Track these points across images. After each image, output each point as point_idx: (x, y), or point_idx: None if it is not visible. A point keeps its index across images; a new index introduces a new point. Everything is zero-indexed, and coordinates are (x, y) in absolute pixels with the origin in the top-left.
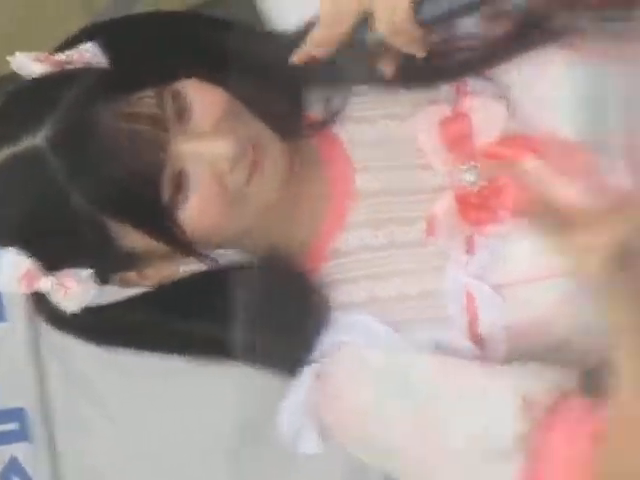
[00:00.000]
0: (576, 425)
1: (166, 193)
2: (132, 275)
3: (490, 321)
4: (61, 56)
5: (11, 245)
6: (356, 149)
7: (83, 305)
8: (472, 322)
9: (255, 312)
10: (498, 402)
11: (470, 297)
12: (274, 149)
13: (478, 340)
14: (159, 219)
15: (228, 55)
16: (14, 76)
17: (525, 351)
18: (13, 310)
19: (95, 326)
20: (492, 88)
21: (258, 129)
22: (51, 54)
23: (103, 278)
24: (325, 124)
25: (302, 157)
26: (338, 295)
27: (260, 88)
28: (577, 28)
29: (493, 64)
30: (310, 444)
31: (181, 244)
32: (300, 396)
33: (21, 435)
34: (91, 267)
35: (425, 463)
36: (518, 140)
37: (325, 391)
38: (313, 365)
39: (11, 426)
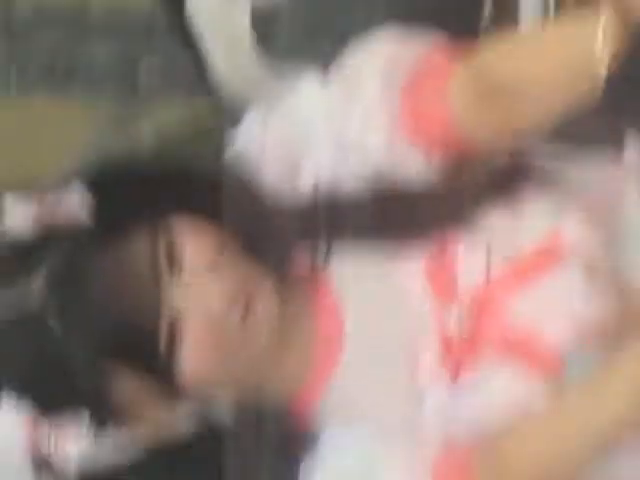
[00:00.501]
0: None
1: (162, 344)
2: (130, 419)
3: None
4: (49, 200)
5: (11, 388)
6: (345, 294)
7: (80, 451)
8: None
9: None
10: None
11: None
12: (267, 291)
13: None
14: (157, 368)
15: (217, 205)
16: None
17: None
18: None
19: None
20: (472, 232)
21: (250, 269)
22: (43, 194)
23: (100, 425)
24: (313, 270)
25: (293, 301)
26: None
27: (250, 234)
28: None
29: (476, 213)
30: None
31: (177, 391)
32: None
33: None
34: (88, 412)
35: None
36: (505, 281)
37: None
38: None
39: None
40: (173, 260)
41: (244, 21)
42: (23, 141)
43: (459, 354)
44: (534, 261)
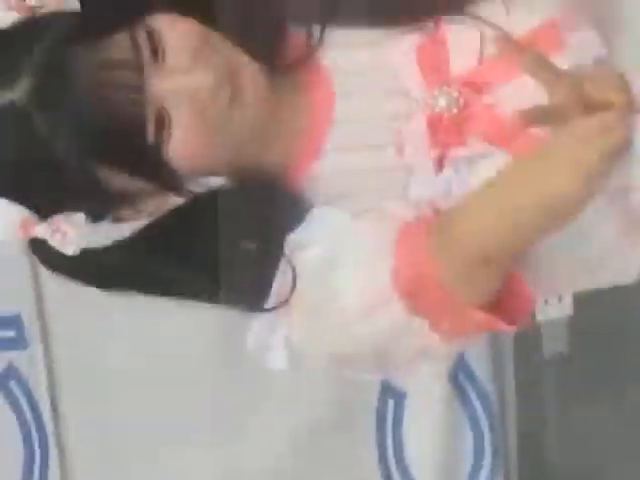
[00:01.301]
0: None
1: (150, 133)
2: (125, 211)
3: None
4: (31, 0)
5: (2, 196)
6: (338, 75)
7: (81, 247)
8: None
9: (238, 232)
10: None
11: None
12: (253, 75)
13: None
14: (146, 160)
15: None
16: None
17: None
18: None
19: (88, 270)
20: (468, 18)
21: (235, 56)
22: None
23: (97, 218)
24: (307, 52)
25: (283, 81)
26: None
27: (240, 15)
28: None
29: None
30: (277, 359)
31: (168, 182)
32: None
33: (18, 341)
34: (83, 210)
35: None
36: (497, 65)
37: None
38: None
39: (8, 333)
40: (155, 49)
41: None
42: None
43: (446, 137)
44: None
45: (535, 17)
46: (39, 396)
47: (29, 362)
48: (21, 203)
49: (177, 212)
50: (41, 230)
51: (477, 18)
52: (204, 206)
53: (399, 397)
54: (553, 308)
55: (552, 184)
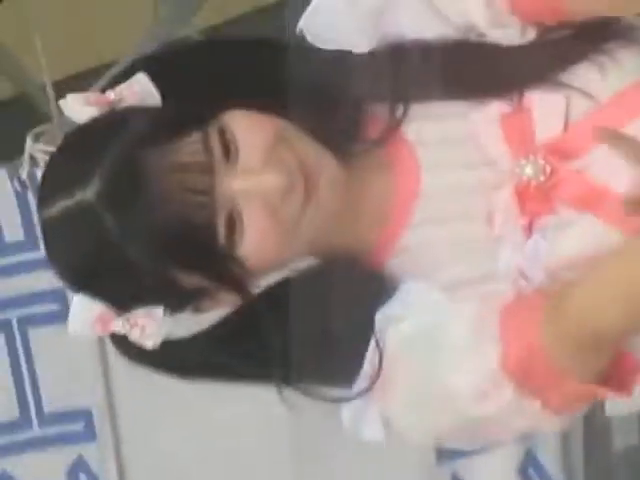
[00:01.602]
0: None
1: (221, 235)
2: (206, 302)
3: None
4: (110, 94)
5: (80, 292)
6: (422, 148)
7: (160, 339)
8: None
9: (325, 318)
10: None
11: (522, 280)
12: (329, 169)
13: None
14: (217, 263)
15: (280, 75)
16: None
17: None
18: None
19: (169, 361)
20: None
21: (311, 151)
22: (102, 91)
23: (176, 310)
24: (390, 129)
25: (368, 160)
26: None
27: (316, 104)
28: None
29: (560, 68)
30: (373, 431)
31: (238, 282)
32: (361, 384)
33: (88, 434)
34: (161, 304)
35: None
36: (583, 131)
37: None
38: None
39: (77, 426)
40: (227, 149)
41: None
42: None
43: (534, 205)
44: (615, 113)
45: (623, 80)
46: None
47: (99, 456)
48: (98, 298)
49: (258, 299)
50: (119, 325)
51: (570, 87)
52: (285, 291)
53: None
54: (624, 403)
55: None
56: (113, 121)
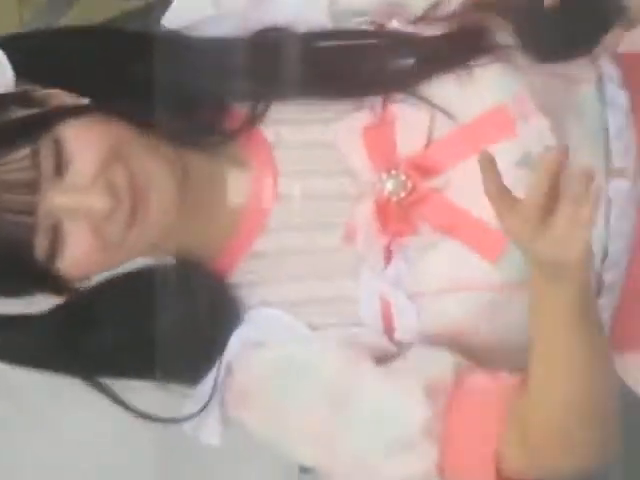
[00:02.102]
0: (479, 407)
1: (41, 249)
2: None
3: (406, 327)
4: None
5: None
6: (281, 151)
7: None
8: (387, 328)
9: (166, 315)
10: (402, 393)
11: (385, 304)
12: (163, 189)
13: (394, 342)
14: (33, 276)
15: (140, 64)
16: None
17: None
18: None
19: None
20: (416, 99)
21: (147, 169)
22: None
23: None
24: (249, 124)
25: (224, 158)
26: (251, 296)
27: (174, 94)
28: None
29: (425, 78)
30: (213, 435)
31: (56, 289)
32: (206, 389)
33: None
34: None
35: (331, 458)
36: (445, 148)
37: (233, 388)
38: (223, 361)
39: None
40: (59, 162)
41: None
42: None
43: (396, 224)
44: (475, 136)
45: (487, 101)
46: None
47: None
48: None
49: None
50: None
51: (424, 100)
52: (119, 287)
53: None
54: None
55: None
56: None
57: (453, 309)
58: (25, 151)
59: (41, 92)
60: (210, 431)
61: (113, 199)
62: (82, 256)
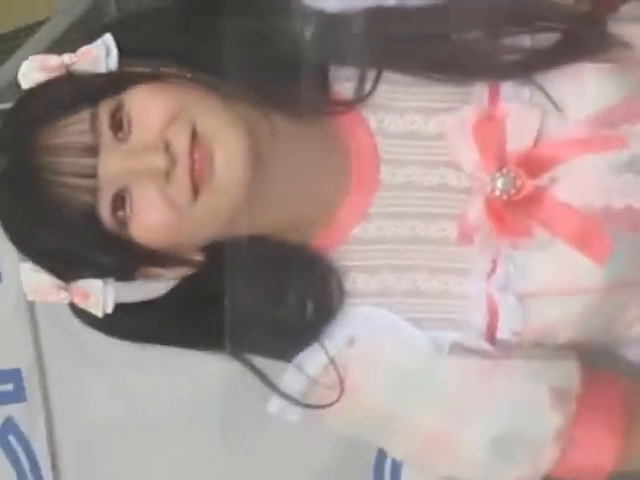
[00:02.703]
0: (605, 413)
1: (108, 216)
2: (154, 270)
3: (509, 328)
4: (66, 57)
5: (26, 258)
6: (383, 138)
7: (109, 309)
8: (491, 328)
9: (265, 296)
10: (526, 400)
11: (492, 304)
12: (230, 140)
13: (493, 343)
14: (108, 245)
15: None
16: None
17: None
18: (7, 271)
19: (121, 326)
20: (528, 94)
21: (215, 123)
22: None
23: (121, 279)
24: (352, 104)
25: (325, 135)
26: (349, 282)
27: (277, 64)
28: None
29: (539, 69)
30: (296, 415)
31: (145, 258)
32: (302, 384)
33: (16, 395)
34: (98, 276)
35: (439, 457)
36: (554, 147)
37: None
38: (321, 356)
39: (6, 387)
40: (119, 127)
41: None
42: None
43: (512, 224)
44: (586, 131)
45: (598, 101)
46: (38, 450)
47: (28, 416)
48: (40, 267)
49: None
50: (64, 295)
51: (542, 89)
52: (229, 262)
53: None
54: None
55: None
56: (24, 97)
57: (558, 311)
58: (85, 114)
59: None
60: (295, 413)
61: (168, 157)
62: (152, 218)
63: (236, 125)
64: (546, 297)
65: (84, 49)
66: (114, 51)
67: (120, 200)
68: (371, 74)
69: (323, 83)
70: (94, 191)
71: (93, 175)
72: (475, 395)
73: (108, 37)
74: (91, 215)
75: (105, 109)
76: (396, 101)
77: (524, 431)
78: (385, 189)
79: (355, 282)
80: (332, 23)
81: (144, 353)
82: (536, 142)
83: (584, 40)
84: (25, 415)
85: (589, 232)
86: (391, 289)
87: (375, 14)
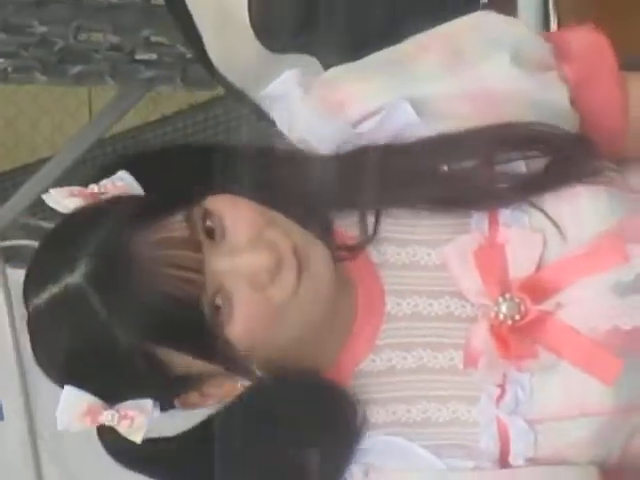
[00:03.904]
0: None
1: (208, 314)
2: (194, 396)
3: (522, 454)
4: (94, 187)
5: (68, 383)
6: (387, 271)
7: (146, 434)
8: (503, 454)
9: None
10: None
11: (503, 431)
12: (318, 249)
13: (505, 467)
14: (204, 342)
15: (259, 181)
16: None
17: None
18: (11, 409)
19: (154, 458)
20: (527, 219)
21: (298, 232)
22: (84, 187)
23: (165, 404)
24: (359, 246)
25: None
26: (365, 410)
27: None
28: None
29: (535, 193)
30: None
31: (230, 362)
32: None
33: None
34: (150, 396)
35: None
36: (557, 271)
37: None
38: None
39: None
40: (212, 228)
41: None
42: None
43: (516, 348)
44: (589, 254)
45: (600, 224)
46: None
47: None
48: (87, 389)
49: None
50: (108, 417)
51: (540, 210)
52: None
53: None
54: None
55: None
56: (100, 207)
57: (570, 434)
58: (181, 216)
59: None
60: None
61: (275, 256)
62: (249, 319)
63: (316, 239)
64: (556, 421)
65: (107, 181)
66: (135, 183)
67: (217, 302)
68: (372, 213)
69: (329, 229)
70: (200, 285)
71: (199, 269)
72: None
73: (124, 173)
74: (197, 309)
75: (197, 211)
76: (397, 234)
77: None
78: (391, 320)
79: (366, 414)
80: (327, 167)
81: None
82: (538, 267)
83: (577, 163)
84: None
85: (596, 354)
86: (402, 420)
87: (368, 152)
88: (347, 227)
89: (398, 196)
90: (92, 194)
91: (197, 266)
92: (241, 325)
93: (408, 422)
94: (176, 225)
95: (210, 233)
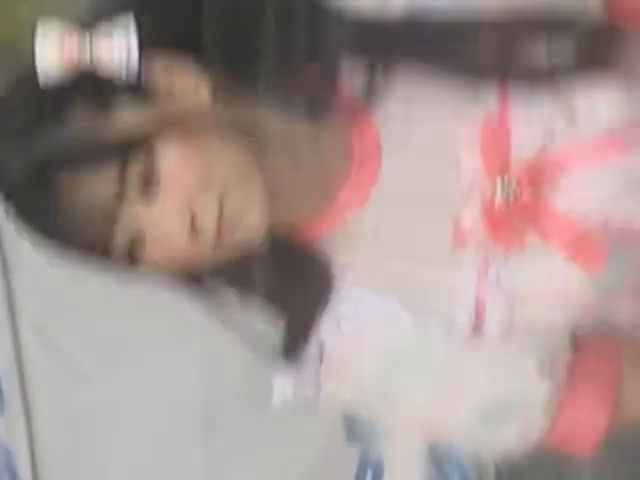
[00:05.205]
0: (598, 379)
1: (119, 253)
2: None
3: (494, 329)
4: (86, 54)
5: None
6: (388, 129)
7: None
8: (477, 327)
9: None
10: (514, 368)
11: (481, 304)
12: (253, 219)
13: (477, 334)
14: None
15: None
16: None
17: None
18: None
19: None
20: (538, 103)
21: (240, 193)
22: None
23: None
24: (362, 106)
25: (329, 126)
26: (340, 267)
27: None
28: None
29: (551, 78)
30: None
31: None
32: (305, 373)
33: None
34: None
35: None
36: (558, 158)
37: (329, 368)
38: (315, 341)
39: None
40: (147, 180)
41: None
42: None
43: (506, 232)
44: (594, 146)
45: (615, 117)
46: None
47: (9, 428)
48: None
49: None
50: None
51: (554, 95)
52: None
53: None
54: None
55: None
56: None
57: (546, 318)
58: (115, 165)
59: (160, 66)
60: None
61: (194, 235)
62: (161, 263)
63: (261, 200)
64: (534, 304)
65: (104, 44)
66: (134, 37)
67: (134, 244)
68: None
69: (333, 87)
70: (112, 232)
71: (115, 220)
72: (462, 367)
73: (134, 38)
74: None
75: (138, 160)
76: (406, 93)
77: (512, 400)
78: (385, 179)
79: (346, 268)
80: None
81: (127, 361)
82: (541, 151)
83: (598, 54)
84: (6, 428)
85: (584, 243)
86: (381, 279)
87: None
88: (352, 81)
89: (413, 52)
90: (76, 65)
91: (113, 218)
92: (150, 265)
93: (387, 281)
94: (106, 178)
95: (145, 183)
